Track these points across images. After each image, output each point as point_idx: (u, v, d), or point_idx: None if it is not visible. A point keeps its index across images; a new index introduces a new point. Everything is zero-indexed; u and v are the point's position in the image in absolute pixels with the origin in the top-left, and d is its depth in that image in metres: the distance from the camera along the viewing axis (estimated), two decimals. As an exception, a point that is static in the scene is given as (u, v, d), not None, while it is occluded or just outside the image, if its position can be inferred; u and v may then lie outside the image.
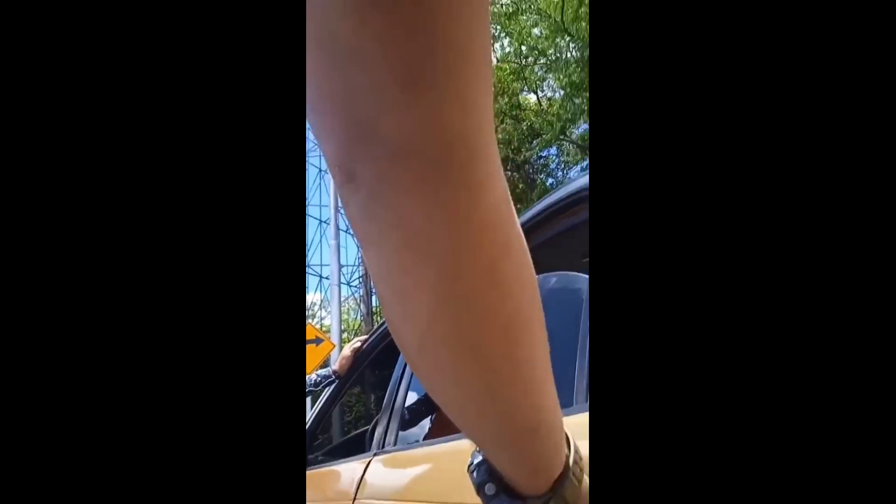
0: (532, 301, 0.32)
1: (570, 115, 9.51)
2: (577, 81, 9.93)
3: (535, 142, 9.95)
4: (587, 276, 1.21)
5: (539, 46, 10.62)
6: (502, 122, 10.51)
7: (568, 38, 10.14)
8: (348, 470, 1.98)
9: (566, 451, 0.43)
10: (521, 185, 10.45)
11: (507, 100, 10.58)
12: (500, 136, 10.45)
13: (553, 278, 1.45)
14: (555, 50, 10.52)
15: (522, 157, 10.32)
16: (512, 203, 0.31)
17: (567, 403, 1.11)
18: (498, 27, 10.85)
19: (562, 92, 10.34)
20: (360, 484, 1.79)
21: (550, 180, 10.86)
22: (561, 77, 10.12)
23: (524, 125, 10.10)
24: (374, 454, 1.86)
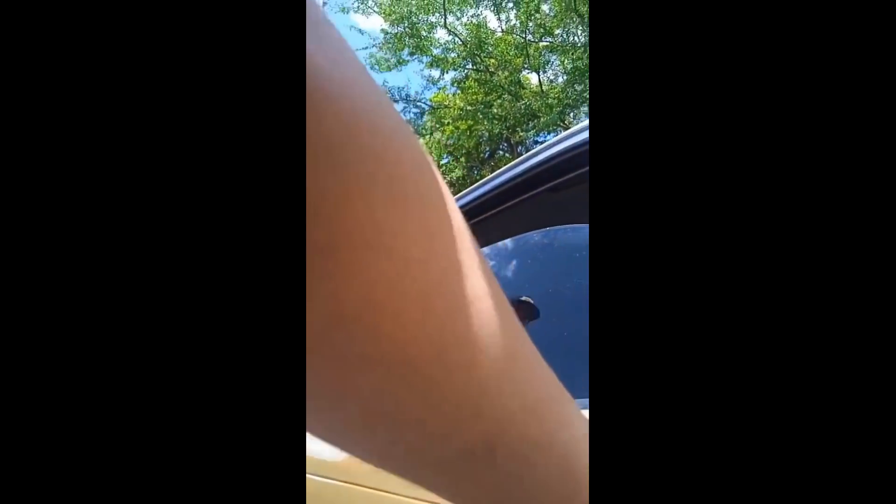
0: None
1: (570, 101, 9.45)
2: (582, 67, 9.82)
3: (531, 123, 9.87)
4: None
5: (546, 24, 10.43)
6: (500, 96, 10.37)
7: (577, 20, 9.98)
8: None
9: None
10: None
11: (507, 74, 10.42)
12: (496, 111, 10.33)
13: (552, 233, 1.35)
14: (563, 31, 10.35)
15: (518, 136, 10.25)
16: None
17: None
18: (506, -5, 10.61)
19: (565, 77, 10.23)
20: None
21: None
22: (565, 61, 9.99)
23: (522, 104, 10.00)
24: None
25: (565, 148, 1.21)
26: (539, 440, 0.26)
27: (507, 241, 1.50)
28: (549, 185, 1.31)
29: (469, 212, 1.52)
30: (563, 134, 1.25)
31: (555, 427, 0.26)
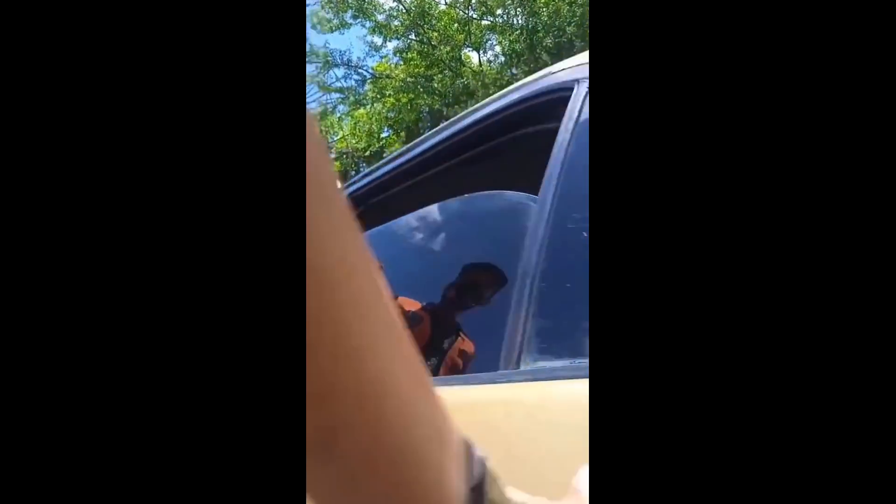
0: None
1: (504, 84, 9.93)
2: (519, 50, 10.31)
3: (469, 102, 10.34)
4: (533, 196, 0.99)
5: (489, 3, 10.80)
6: (441, 71, 10.75)
7: (517, 2, 10.39)
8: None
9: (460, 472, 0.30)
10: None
11: (448, 49, 10.78)
12: (436, 86, 10.73)
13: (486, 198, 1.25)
14: (504, 11, 10.75)
15: (454, 111, 10.68)
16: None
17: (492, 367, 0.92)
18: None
19: (503, 58, 10.69)
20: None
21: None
22: (503, 42, 10.43)
23: (461, 82, 10.44)
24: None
25: (482, 117, 1.17)
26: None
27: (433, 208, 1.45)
28: (466, 156, 1.28)
29: (385, 183, 1.48)
30: (476, 105, 1.23)
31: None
